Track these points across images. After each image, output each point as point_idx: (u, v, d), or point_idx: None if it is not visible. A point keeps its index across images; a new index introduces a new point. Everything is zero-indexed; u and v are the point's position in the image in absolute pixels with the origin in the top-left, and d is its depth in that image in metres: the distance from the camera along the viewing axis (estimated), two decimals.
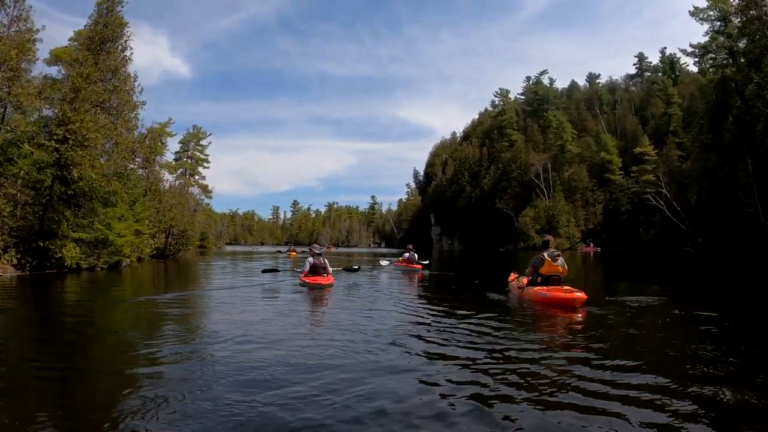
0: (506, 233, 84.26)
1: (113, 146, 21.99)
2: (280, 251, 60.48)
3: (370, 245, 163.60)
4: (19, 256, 19.10)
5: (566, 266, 10.89)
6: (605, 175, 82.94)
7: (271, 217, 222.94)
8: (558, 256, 10.74)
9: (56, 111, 20.32)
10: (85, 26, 26.10)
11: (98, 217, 22.12)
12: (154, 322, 9.29)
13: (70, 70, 21.51)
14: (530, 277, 11.17)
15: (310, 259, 15.09)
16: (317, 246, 16.37)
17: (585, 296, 9.83)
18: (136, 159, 29.81)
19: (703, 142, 49.61)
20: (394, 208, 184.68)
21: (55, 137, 19.24)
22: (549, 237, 11.37)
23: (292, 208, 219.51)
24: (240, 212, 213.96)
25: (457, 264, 35.53)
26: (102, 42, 23.26)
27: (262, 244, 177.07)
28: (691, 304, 11.64)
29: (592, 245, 74.33)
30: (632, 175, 79.94)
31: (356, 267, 19.77)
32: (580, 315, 9.40)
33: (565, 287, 10.35)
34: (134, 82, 24.60)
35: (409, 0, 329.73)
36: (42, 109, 22.10)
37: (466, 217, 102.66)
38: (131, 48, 24.81)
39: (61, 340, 7.68)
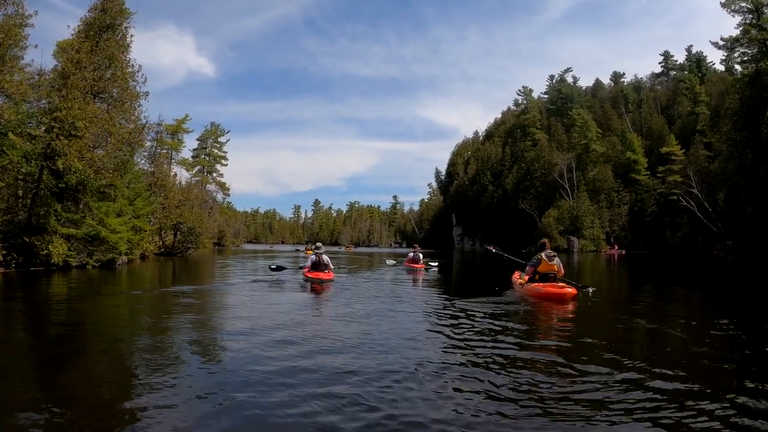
0: (529, 234, 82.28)
1: (107, 137, 20.94)
2: (298, 249, 62.45)
3: (391, 245, 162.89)
4: (4, 252, 18.21)
5: (561, 265, 12.23)
6: (631, 175, 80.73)
7: (292, 216, 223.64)
8: (554, 256, 12.19)
9: (44, 99, 19.31)
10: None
11: (91, 212, 21.17)
12: (118, 327, 8.84)
13: (62, 56, 20.66)
14: (530, 275, 12.42)
15: (312, 256, 16.54)
16: (319, 244, 17.70)
17: (575, 291, 11.40)
18: (142, 152, 28.93)
19: (737, 140, 47.58)
20: (416, 208, 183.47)
21: (42, 126, 18.35)
22: (545, 240, 12.80)
23: (313, 207, 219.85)
24: (261, 211, 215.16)
25: (477, 266, 34.26)
26: (101, 29, 22.42)
27: (283, 242, 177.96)
28: (722, 311, 10.95)
29: (616, 247, 72.69)
30: (659, 175, 77.76)
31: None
32: (570, 306, 10.77)
33: (558, 284, 11.76)
34: (137, 72, 23.63)
35: (435, 0, 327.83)
36: (40, 100, 21.15)
37: (488, 218, 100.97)
38: (132, 35, 24.01)
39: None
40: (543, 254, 12.09)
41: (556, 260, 12.09)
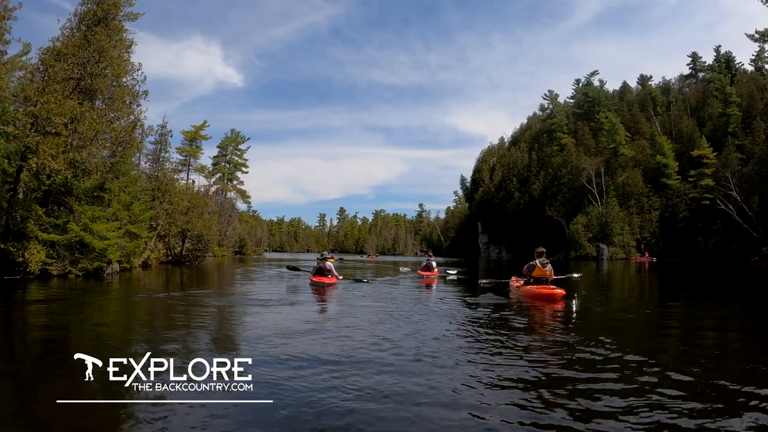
0: (557, 241, 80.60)
1: (94, 136, 19.97)
2: (318, 259, 61.70)
3: (416, 253, 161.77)
4: None
5: (552, 271, 14.35)
6: (661, 179, 78.32)
7: (318, 224, 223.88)
8: (547, 263, 14.30)
9: (20, 93, 18.37)
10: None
11: (76, 217, 20.33)
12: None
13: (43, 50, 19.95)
14: (525, 278, 14.68)
15: (315, 263, 19.45)
16: (325, 253, 20.67)
17: (563, 292, 13.58)
18: (146, 154, 28.28)
19: None
20: (442, 216, 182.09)
21: (12, 122, 17.60)
22: (542, 249, 14.64)
23: (338, 216, 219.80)
24: (287, 219, 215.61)
25: (504, 275, 33.20)
26: (92, 22, 21.85)
27: (308, 251, 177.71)
28: None
29: (647, 254, 70.74)
30: (690, 179, 75.55)
31: (366, 280, 21.26)
32: (559, 305, 12.82)
33: (550, 286, 13.90)
34: (136, 69, 23.03)
35: (461, 7, 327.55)
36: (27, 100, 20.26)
37: (514, 225, 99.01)
38: (126, 29, 23.47)
39: None
40: (538, 261, 14.28)
41: (549, 267, 14.30)
